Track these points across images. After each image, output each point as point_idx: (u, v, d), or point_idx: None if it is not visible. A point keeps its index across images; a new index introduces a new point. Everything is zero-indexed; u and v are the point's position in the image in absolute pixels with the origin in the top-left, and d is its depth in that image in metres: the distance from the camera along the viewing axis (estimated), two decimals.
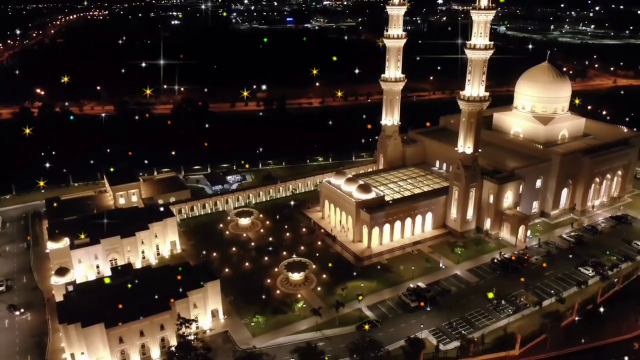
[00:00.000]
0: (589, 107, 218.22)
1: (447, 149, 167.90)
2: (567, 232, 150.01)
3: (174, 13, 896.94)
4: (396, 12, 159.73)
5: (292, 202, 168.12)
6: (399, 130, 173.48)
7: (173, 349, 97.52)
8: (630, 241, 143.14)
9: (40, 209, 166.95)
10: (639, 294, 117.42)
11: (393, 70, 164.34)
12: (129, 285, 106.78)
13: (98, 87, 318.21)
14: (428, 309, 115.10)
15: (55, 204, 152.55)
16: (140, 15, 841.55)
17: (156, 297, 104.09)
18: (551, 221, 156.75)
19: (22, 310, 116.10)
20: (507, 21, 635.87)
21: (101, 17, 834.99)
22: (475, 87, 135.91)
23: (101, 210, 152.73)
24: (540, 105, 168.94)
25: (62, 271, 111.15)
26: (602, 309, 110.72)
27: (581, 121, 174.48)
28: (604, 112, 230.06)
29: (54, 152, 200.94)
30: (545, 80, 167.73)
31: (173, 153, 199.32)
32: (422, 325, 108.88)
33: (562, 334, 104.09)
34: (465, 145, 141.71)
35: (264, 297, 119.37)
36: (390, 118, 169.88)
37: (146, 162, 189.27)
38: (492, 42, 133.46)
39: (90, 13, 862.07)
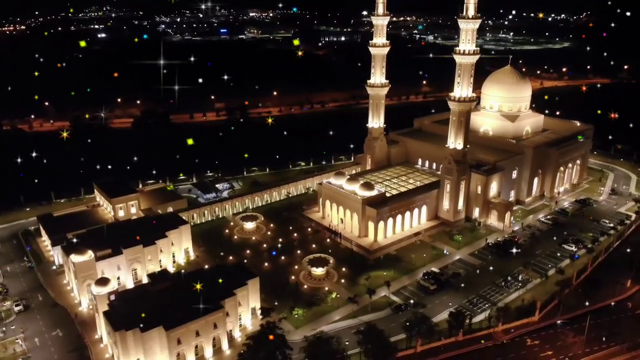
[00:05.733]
0: None
1: (428, 148, 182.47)
2: (544, 216, 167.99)
3: (96, 26, 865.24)
4: (380, 22, 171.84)
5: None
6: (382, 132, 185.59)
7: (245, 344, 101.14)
8: (598, 220, 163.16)
9: (29, 227, 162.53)
10: (620, 262, 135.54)
11: (379, 76, 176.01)
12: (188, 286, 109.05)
13: (46, 103, 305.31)
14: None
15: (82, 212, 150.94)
16: (60, 29, 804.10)
17: (204, 297, 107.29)
18: (527, 207, 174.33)
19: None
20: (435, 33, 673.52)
21: (17, 32, 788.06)
22: (464, 89, 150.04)
23: (100, 223, 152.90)
24: (507, 105, 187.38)
25: (103, 281, 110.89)
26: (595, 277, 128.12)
27: (541, 118, 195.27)
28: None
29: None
30: (510, 82, 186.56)
31: (128, 167, 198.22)
32: (450, 304, 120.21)
33: (570, 300, 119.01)
34: (455, 142, 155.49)
35: (295, 292, 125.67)
36: (377, 121, 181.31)
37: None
38: (479, 48, 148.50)
39: (6, 28, 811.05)
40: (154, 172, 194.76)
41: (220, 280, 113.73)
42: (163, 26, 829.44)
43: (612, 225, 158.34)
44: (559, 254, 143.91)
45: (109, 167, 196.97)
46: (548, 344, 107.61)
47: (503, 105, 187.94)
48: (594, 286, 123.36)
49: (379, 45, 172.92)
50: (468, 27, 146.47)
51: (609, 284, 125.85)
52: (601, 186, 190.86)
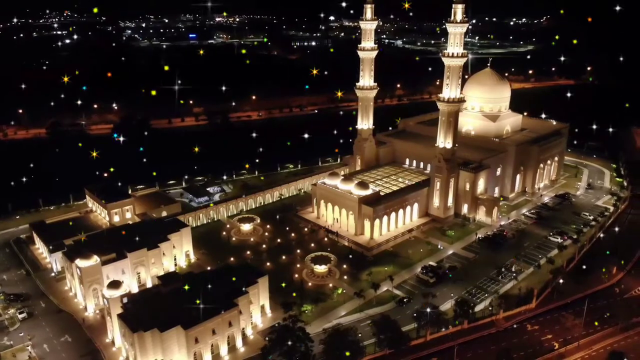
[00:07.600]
0: None
1: (415, 148, 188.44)
2: (528, 210, 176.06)
3: (59, 32, 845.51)
4: (369, 26, 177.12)
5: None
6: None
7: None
8: (578, 213, 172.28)
9: (20, 235, 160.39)
10: (604, 251, 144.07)
11: (367, 79, 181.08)
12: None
13: (20, 110, 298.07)
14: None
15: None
16: (22, 35, 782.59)
17: (217, 296, 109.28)
18: (510, 203, 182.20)
19: None
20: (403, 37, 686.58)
21: None
22: (453, 90, 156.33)
23: (95, 229, 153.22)
24: (488, 105, 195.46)
25: (115, 284, 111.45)
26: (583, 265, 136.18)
27: (519, 117, 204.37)
28: None
29: None
30: (490, 83, 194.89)
31: (105, 175, 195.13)
32: (451, 295, 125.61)
33: (563, 286, 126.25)
34: (445, 141, 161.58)
35: (300, 289, 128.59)
36: (366, 122, 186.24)
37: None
38: (466, 51, 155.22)
39: None
40: (143, 177, 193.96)
41: (230, 280, 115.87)
42: (129, 32, 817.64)
43: (592, 217, 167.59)
44: (546, 245, 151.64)
45: (96, 173, 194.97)
46: (547, 328, 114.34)
47: (484, 106, 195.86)
48: (583, 274, 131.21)
49: (368, 49, 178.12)
50: (456, 31, 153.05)
51: (596, 271, 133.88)
52: (578, 181, 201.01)
